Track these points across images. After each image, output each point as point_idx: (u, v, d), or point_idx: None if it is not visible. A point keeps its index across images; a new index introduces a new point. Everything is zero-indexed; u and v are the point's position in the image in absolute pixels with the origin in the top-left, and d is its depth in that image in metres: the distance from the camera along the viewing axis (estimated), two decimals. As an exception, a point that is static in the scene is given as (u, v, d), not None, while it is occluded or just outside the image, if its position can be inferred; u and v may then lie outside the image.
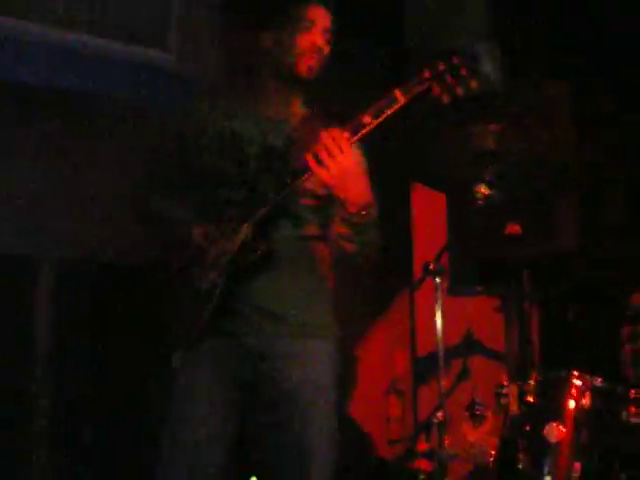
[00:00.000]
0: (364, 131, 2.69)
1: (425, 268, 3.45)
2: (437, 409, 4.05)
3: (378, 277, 4.99)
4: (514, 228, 4.21)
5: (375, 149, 4.75)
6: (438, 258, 3.48)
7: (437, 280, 3.42)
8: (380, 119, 2.69)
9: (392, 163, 4.97)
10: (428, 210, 4.85)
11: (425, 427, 4.53)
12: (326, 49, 2.86)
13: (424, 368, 4.92)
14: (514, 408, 3.19)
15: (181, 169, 2.90)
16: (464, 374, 4.57)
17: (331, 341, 2.88)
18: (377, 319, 5.08)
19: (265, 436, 2.81)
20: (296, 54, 2.83)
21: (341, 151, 2.65)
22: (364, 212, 2.75)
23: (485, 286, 4.51)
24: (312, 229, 2.88)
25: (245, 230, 2.75)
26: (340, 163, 2.65)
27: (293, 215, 2.83)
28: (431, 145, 3.51)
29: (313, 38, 2.83)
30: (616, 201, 4.59)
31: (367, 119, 2.69)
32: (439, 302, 3.43)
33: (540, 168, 3.36)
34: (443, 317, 3.45)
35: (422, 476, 3.76)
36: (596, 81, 4.50)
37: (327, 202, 2.84)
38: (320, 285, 2.92)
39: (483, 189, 3.29)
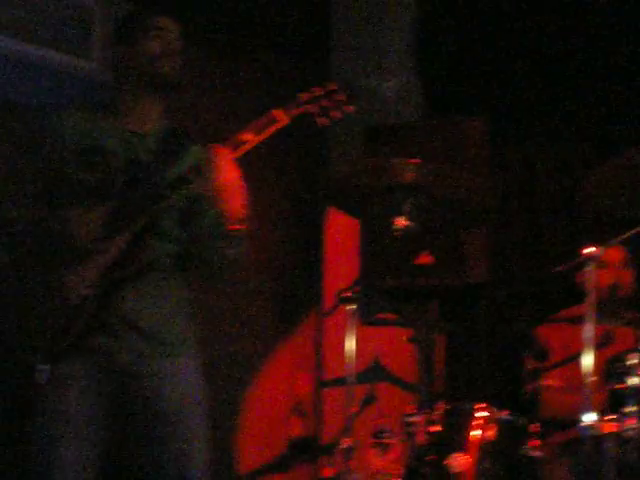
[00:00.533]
0: (244, 148, 2.80)
1: (339, 296, 3.49)
2: (343, 434, 4.09)
3: (285, 299, 5.05)
4: (425, 258, 4.29)
5: (292, 169, 4.81)
6: (353, 287, 3.52)
7: (350, 308, 3.45)
8: (260, 137, 2.82)
9: (309, 185, 5.03)
10: (342, 235, 4.90)
11: (328, 451, 4.56)
12: (180, 55, 2.93)
13: (329, 392, 4.96)
14: (420, 438, 3.23)
15: (47, 181, 2.90)
16: (370, 400, 4.62)
17: (196, 358, 2.93)
18: (282, 341, 5.09)
19: (139, 455, 2.84)
20: (152, 59, 2.90)
21: (221, 167, 2.75)
22: (239, 227, 2.83)
23: (397, 315, 4.58)
24: (181, 244, 2.91)
25: (117, 244, 2.76)
26: (224, 177, 2.75)
27: (163, 230, 2.86)
28: (349, 172, 3.55)
29: (165, 43, 2.91)
30: (525, 236, 4.73)
31: (247, 137, 2.81)
32: (352, 330, 3.46)
33: (454, 202, 3.43)
34: (355, 344, 3.48)
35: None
36: (512, 119, 4.64)
37: (197, 217, 2.89)
38: (186, 302, 2.96)
39: (401, 221, 3.34)
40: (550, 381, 3.97)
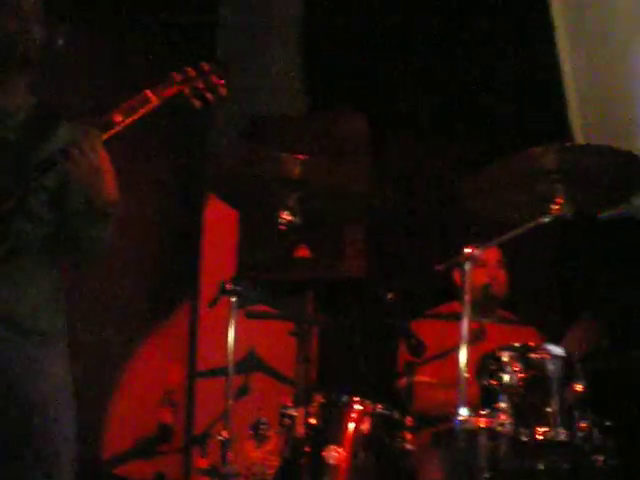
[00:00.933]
0: (114, 130, 2.74)
1: (221, 287, 3.49)
2: (221, 425, 4.09)
3: (161, 287, 5.01)
4: (303, 251, 4.33)
5: (171, 156, 4.76)
6: (236, 278, 3.52)
7: (232, 300, 3.46)
8: (131, 118, 2.76)
9: (189, 173, 5.00)
10: (221, 225, 4.88)
11: (200, 441, 4.55)
12: (41, 32, 2.81)
13: (202, 383, 4.96)
14: (297, 430, 3.26)
15: None
16: (244, 391, 4.63)
17: (65, 347, 2.86)
18: (156, 329, 5.06)
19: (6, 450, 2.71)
20: (8, 36, 2.78)
21: (91, 148, 2.68)
22: (108, 211, 2.77)
23: (276, 308, 4.60)
24: (50, 227, 2.82)
25: None
26: (89, 160, 2.68)
27: (31, 212, 2.76)
28: (235, 163, 3.54)
29: (21, 18, 2.79)
30: (405, 234, 4.82)
31: (118, 118, 2.75)
32: (233, 321, 3.47)
33: (334, 197, 3.49)
34: (234, 336, 3.49)
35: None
36: (393, 117, 4.72)
37: (67, 199, 2.80)
38: (57, 289, 2.87)
39: (286, 215, 3.36)
40: (423, 377, 4.06)
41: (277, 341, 4.72)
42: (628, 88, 4.00)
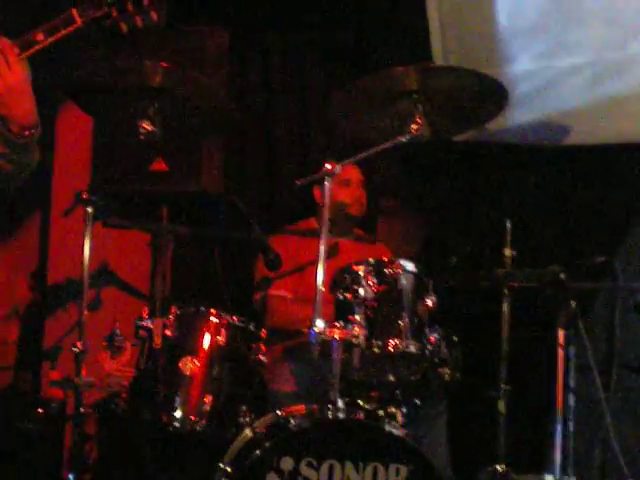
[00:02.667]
0: (35, 48, 2.64)
1: (77, 197, 3.42)
2: (63, 338, 4.04)
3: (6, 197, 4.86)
4: (160, 165, 4.28)
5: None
6: (92, 188, 3.46)
7: (89, 210, 3.40)
8: (54, 38, 2.65)
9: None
10: (75, 134, 4.76)
11: (51, 355, 4.50)
12: None
13: (53, 297, 4.87)
14: (157, 342, 3.27)
15: None
16: (96, 305, 4.59)
17: None
18: (2, 243, 4.93)
19: None
20: None
21: (8, 66, 2.58)
22: (28, 132, 2.69)
23: (131, 221, 4.55)
24: None
25: None
26: (6, 79, 2.58)
27: None
28: (96, 70, 3.44)
29: None
30: (263, 148, 4.82)
31: (40, 36, 2.64)
32: (89, 232, 3.41)
33: (192, 109, 3.46)
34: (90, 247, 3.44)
35: (53, 404, 3.77)
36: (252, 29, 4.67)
37: None
38: None
39: (146, 125, 3.31)
40: (278, 291, 4.12)
41: (129, 254, 4.70)
42: (489, 15, 4.08)
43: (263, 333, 3.52)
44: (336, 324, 3.23)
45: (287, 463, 2.98)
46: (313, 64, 4.74)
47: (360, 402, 3.59)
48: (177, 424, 3.32)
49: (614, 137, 3.98)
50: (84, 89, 3.40)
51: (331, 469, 2.98)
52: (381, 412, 3.35)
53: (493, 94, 3.39)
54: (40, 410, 3.74)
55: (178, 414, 3.31)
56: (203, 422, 3.32)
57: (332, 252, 4.08)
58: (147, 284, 4.36)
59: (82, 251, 3.46)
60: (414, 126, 3.34)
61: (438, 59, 4.13)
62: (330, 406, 3.11)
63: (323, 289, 3.18)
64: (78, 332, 3.37)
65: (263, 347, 3.50)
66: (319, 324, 3.15)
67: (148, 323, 3.40)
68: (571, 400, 3.68)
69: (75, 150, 4.76)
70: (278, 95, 4.78)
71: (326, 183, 3.22)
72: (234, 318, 3.47)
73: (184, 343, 3.41)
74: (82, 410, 3.43)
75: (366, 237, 4.37)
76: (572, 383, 3.73)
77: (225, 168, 4.41)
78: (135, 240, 4.60)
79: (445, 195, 4.39)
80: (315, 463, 2.98)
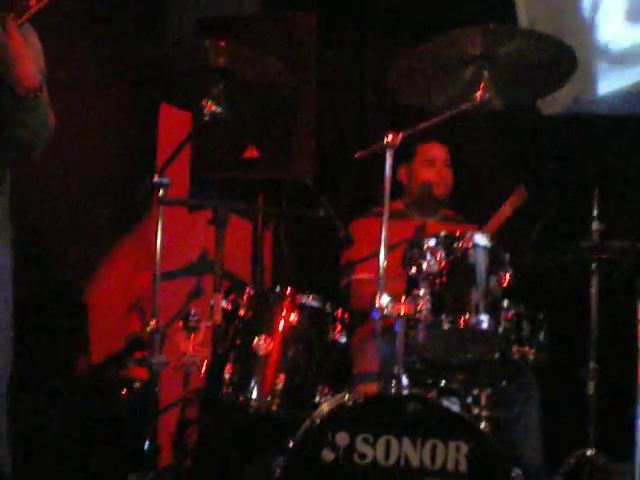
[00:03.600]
0: (29, 13, 2.72)
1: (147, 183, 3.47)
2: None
3: (125, 197, 4.98)
4: (252, 152, 4.30)
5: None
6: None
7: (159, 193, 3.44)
8: (45, 2, 2.72)
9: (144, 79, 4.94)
10: (176, 130, 4.84)
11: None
12: None
13: (164, 286, 4.96)
14: (217, 317, 3.27)
15: None
16: (198, 293, 4.67)
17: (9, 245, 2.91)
18: (122, 240, 5.06)
19: None
20: None
21: (4, 32, 2.69)
22: (33, 95, 2.79)
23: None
24: None
25: None
26: (4, 45, 2.69)
27: None
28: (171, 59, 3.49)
29: None
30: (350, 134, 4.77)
31: (33, 2, 2.72)
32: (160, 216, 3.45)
33: (274, 93, 3.45)
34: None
35: (137, 383, 3.85)
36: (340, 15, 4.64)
37: None
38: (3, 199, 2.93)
39: (209, 104, 3.33)
40: (361, 274, 4.07)
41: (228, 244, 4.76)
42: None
43: (339, 313, 3.47)
44: (402, 299, 3.16)
45: (343, 438, 2.93)
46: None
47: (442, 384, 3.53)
48: (254, 404, 3.32)
49: None
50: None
51: (388, 445, 2.91)
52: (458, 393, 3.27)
53: (563, 59, 3.22)
54: (124, 391, 3.81)
55: (254, 395, 3.31)
56: (276, 401, 3.30)
57: (419, 233, 4.02)
58: (248, 272, 4.40)
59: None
60: (479, 93, 3.22)
61: (524, 24, 3.98)
62: (393, 382, 3.04)
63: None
64: (152, 311, 3.41)
65: (338, 327, 3.45)
66: (384, 300, 3.10)
67: (222, 303, 3.42)
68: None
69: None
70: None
71: (387, 156, 3.16)
72: (308, 298, 3.44)
73: (258, 323, 3.40)
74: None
75: (455, 217, 4.26)
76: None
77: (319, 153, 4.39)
78: (236, 229, 4.66)
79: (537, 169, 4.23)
80: (371, 439, 2.92)
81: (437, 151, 4.17)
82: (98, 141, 4.72)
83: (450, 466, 2.90)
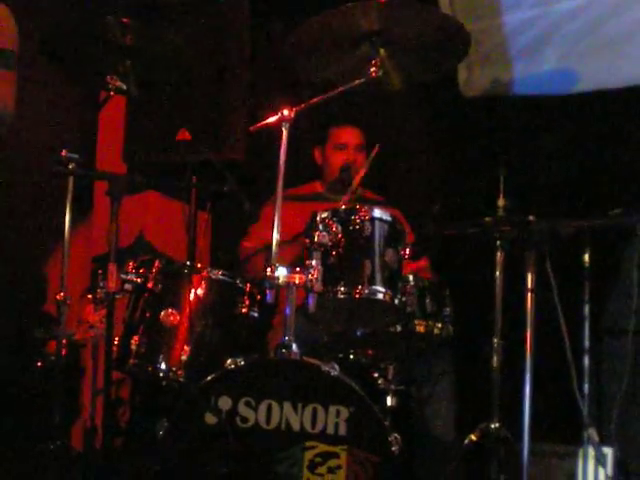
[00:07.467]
0: None
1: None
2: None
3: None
4: (184, 134, 4.37)
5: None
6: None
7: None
8: None
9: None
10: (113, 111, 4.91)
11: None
12: None
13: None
14: (111, 285, 3.31)
15: None
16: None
17: None
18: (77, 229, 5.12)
19: None
20: None
21: None
22: None
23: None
24: None
25: None
26: None
27: None
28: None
29: None
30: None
31: None
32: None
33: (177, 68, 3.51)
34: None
35: (52, 357, 3.91)
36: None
37: None
38: None
39: (113, 80, 3.40)
40: (248, 243, 4.14)
41: (164, 225, 4.83)
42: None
43: (248, 287, 3.52)
44: (296, 270, 3.20)
45: (225, 402, 2.99)
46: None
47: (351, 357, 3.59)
48: (161, 375, 3.38)
49: (614, 81, 3.78)
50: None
51: (269, 409, 2.97)
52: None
53: (456, 37, 3.27)
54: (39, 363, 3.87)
55: (162, 365, 3.37)
56: (182, 372, 3.36)
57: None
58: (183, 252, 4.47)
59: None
60: (372, 69, 3.27)
61: (445, 8, 4.03)
62: (282, 349, 3.09)
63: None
64: (60, 283, 3.46)
65: (247, 301, 3.50)
66: (280, 271, 3.15)
67: (132, 277, 3.49)
68: (586, 361, 3.54)
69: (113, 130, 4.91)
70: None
71: (283, 130, 3.22)
72: (216, 272, 3.50)
73: (166, 296, 3.46)
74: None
75: (375, 199, 4.29)
76: (587, 344, 3.58)
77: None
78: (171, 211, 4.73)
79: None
80: (253, 403, 2.98)
81: (349, 135, 4.21)
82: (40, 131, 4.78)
83: (330, 430, 2.96)
